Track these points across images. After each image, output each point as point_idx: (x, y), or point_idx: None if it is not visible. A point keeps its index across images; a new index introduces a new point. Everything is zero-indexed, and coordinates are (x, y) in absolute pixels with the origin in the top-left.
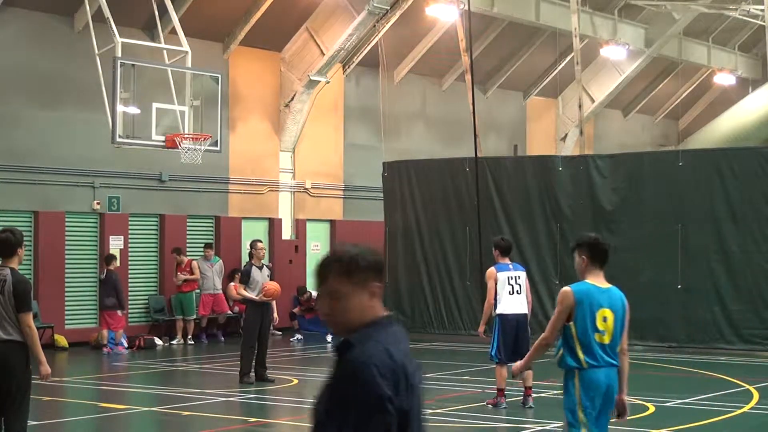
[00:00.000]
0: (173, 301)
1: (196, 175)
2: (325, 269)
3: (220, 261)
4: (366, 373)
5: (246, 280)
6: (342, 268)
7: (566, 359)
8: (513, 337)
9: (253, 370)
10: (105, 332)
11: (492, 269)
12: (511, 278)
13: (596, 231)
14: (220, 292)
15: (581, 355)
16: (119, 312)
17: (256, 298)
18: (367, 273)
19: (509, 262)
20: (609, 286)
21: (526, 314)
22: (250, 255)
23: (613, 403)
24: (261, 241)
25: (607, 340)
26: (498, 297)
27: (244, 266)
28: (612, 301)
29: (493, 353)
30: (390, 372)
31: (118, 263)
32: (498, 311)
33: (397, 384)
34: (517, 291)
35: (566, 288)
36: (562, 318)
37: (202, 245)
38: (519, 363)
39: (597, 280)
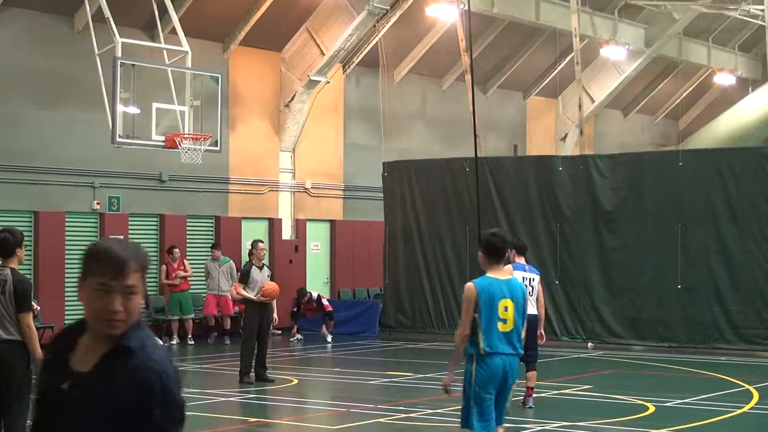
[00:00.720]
0: (170, 300)
1: (196, 175)
2: (124, 264)
3: (230, 262)
4: (170, 381)
5: (245, 279)
6: (140, 263)
7: (468, 346)
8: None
9: (253, 370)
10: None
11: (509, 266)
12: (526, 279)
13: (596, 231)
14: (227, 293)
15: (481, 343)
16: None
17: (254, 297)
18: (147, 270)
19: (525, 263)
20: (509, 277)
21: (536, 315)
22: (251, 255)
23: (509, 389)
24: (262, 242)
25: (509, 328)
26: None
27: (244, 266)
28: (512, 291)
29: None
30: (178, 378)
31: None
32: None
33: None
34: (530, 292)
35: (469, 283)
36: (470, 311)
37: (201, 245)
38: (447, 378)
39: (497, 273)
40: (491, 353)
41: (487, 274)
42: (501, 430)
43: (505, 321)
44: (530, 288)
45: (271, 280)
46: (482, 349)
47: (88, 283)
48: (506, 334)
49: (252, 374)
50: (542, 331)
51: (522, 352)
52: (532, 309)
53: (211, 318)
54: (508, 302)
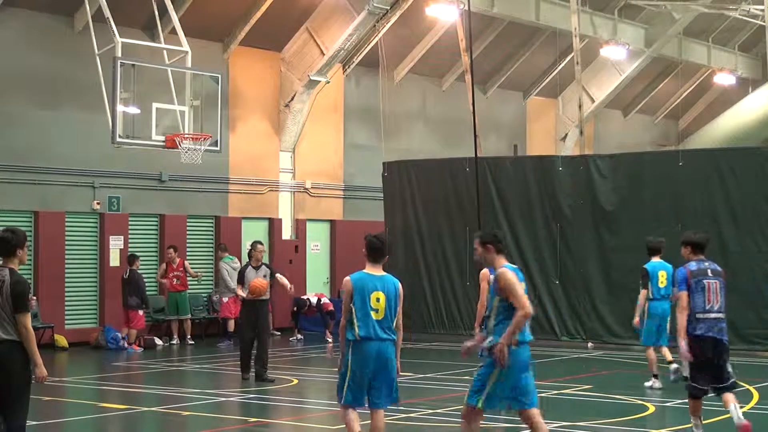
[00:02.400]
0: (169, 300)
1: (196, 175)
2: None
3: (234, 259)
4: None
5: (242, 279)
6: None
7: (347, 333)
8: None
9: (253, 369)
10: (134, 332)
11: (485, 271)
12: None
13: (596, 231)
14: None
15: (357, 330)
16: (140, 311)
17: (244, 294)
18: None
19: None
20: (383, 274)
21: None
22: (249, 255)
23: (387, 371)
24: (261, 243)
25: (380, 316)
26: None
27: (241, 267)
28: (385, 285)
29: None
30: None
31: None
32: None
33: None
34: None
35: (346, 277)
36: (348, 301)
37: (201, 245)
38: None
39: (372, 270)
40: (364, 338)
41: (364, 270)
42: (381, 413)
43: (377, 310)
44: None
45: (272, 277)
46: (357, 335)
47: None
48: (379, 322)
49: (251, 373)
50: None
51: (395, 338)
52: None
53: (230, 321)
54: (380, 294)
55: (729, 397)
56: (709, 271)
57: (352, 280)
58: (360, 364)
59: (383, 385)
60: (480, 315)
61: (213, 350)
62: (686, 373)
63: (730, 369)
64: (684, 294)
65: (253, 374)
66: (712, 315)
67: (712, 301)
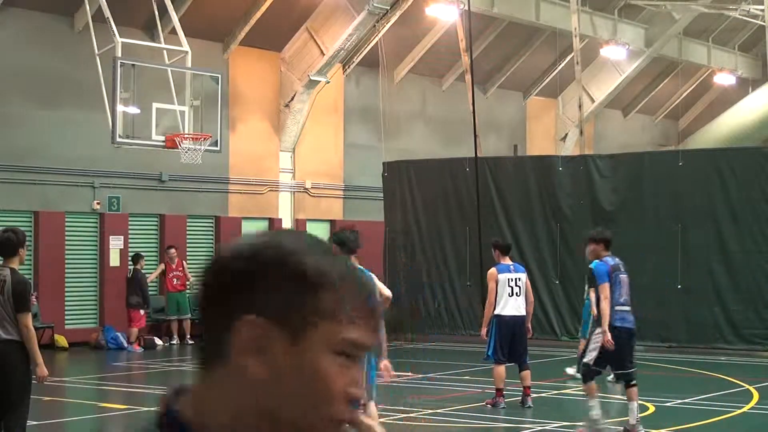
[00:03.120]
0: (168, 300)
1: (196, 175)
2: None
3: None
4: None
5: None
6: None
7: None
8: (509, 338)
9: None
10: (134, 330)
11: (493, 270)
12: (512, 280)
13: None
14: None
15: None
16: (141, 311)
17: None
18: None
19: (510, 263)
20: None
21: (524, 316)
22: None
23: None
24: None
25: None
26: (498, 298)
27: None
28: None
29: (490, 353)
30: None
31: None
32: (496, 312)
33: None
34: (517, 293)
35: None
36: None
37: (201, 245)
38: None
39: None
40: None
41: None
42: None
43: None
44: (517, 288)
45: None
46: None
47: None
48: None
49: None
50: (529, 325)
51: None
52: (521, 310)
53: None
54: None
55: (634, 393)
56: (620, 266)
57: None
58: None
59: (373, 372)
60: (488, 316)
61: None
62: (589, 358)
63: (633, 358)
64: (607, 285)
65: None
66: (627, 307)
67: (624, 294)
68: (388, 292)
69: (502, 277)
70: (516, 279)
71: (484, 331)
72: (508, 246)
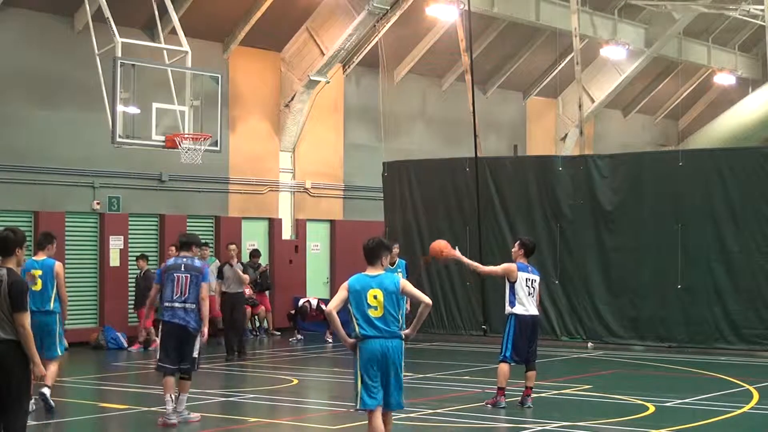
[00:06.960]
0: None
1: (196, 175)
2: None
3: (216, 261)
4: None
5: (221, 276)
6: None
7: (350, 333)
8: (527, 338)
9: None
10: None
11: (514, 265)
12: (529, 280)
13: (596, 231)
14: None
15: (357, 328)
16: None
17: (223, 288)
18: None
19: (528, 264)
20: (381, 272)
21: (539, 316)
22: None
23: (393, 368)
24: (233, 244)
25: (379, 313)
26: (516, 297)
27: (219, 266)
28: (381, 283)
29: (507, 354)
30: None
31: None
32: (516, 311)
33: None
34: (531, 293)
35: (346, 282)
36: (344, 298)
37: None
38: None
39: (371, 271)
40: (369, 336)
41: (365, 272)
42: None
43: (375, 308)
44: (532, 289)
45: (244, 273)
46: (359, 334)
47: None
48: (377, 319)
49: (233, 356)
50: None
51: (399, 333)
52: (537, 310)
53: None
54: (377, 292)
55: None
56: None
57: (349, 284)
58: (366, 363)
59: (391, 384)
60: (479, 268)
61: (212, 349)
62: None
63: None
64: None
65: (236, 353)
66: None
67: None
68: (427, 300)
69: (522, 275)
70: (532, 280)
71: (473, 264)
72: (534, 248)
